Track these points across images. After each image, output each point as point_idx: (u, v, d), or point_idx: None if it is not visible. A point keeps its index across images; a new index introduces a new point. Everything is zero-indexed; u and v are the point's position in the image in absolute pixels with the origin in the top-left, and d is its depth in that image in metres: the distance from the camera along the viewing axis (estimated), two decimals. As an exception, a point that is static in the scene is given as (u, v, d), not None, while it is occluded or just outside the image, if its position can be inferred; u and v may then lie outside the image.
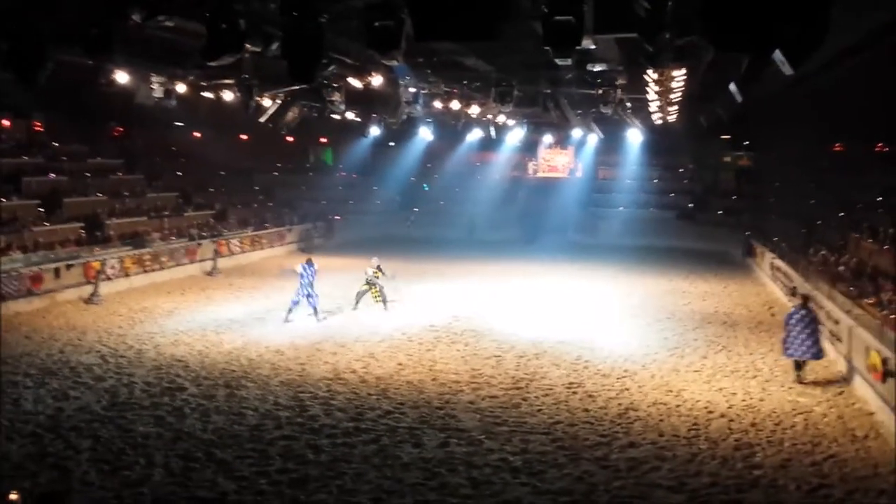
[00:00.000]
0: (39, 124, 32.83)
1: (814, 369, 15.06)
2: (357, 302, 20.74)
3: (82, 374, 14.75)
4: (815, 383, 14.54)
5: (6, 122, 31.43)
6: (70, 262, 23.11)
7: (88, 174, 31.15)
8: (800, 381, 14.47)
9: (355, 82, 19.02)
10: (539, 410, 12.97)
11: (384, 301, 20.71)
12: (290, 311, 19.26)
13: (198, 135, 40.19)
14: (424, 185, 46.24)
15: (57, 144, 32.06)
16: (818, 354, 14.52)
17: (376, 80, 18.85)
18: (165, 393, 13.64)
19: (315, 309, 19.29)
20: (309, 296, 19.15)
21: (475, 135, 34.26)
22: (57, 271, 22.51)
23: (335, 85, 19.54)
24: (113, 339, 17.61)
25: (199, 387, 14.02)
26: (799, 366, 14.63)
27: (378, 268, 20.81)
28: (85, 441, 11.28)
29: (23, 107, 29.45)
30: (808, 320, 14.47)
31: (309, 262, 19.46)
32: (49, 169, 29.51)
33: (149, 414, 12.53)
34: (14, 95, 20.99)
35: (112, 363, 15.60)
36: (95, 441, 11.29)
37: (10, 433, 11.55)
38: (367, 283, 20.72)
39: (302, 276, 19.11)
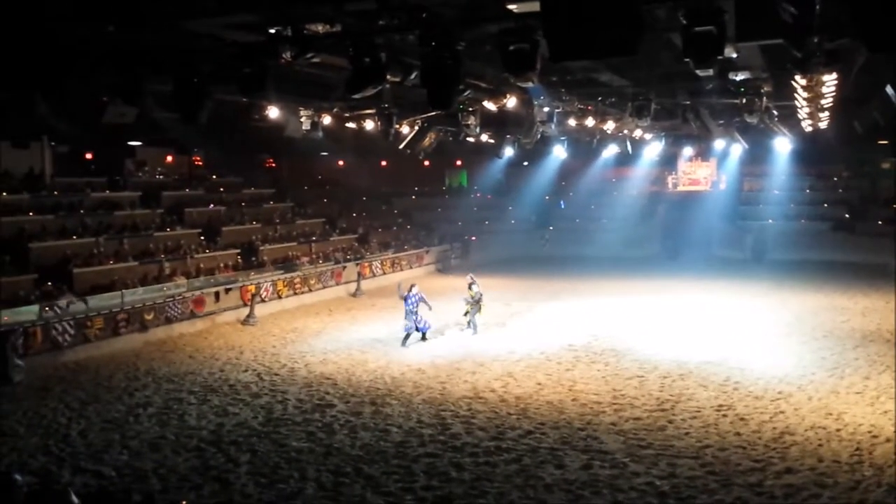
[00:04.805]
0: (199, 159, 35.60)
1: None
2: (474, 326, 20.60)
3: (240, 392, 15.72)
4: None
5: (170, 158, 34.30)
6: (228, 287, 24.80)
7: (243, 204, 33.29)
8: None
9: (490, 105, 19.22)
10: (686, 434, 12.55)
11: (474, 325, 20.55)
12: (406, 336, 19.45)
13: (341, 163, 41.98)
14: (559, 203, 45.90)
15: (215, 177, 34.70)
16: None
17: (510, 102, 18.97)
18: (316, 409, 14.29)
19: (423, 333, 19.69)
20: (416, 321, 19.42)
21: (611, 150, 33.58)
22: (217, 295, 24.24)
23: (470, 109, 19.87)
24: (267, 358, 18.65)
25: (346, 404, 14.59)
26: None
27: (470, 286, 20.77)
28: (244, 455, 11.99)
29: (184, 143, 31.87)
30: None
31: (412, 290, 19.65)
32: (208, 200, 31.90)
33: (301, 429, 13.17)
34: (175, 133, 22.78)
35: (267, 381, 16.52)
36: (253, 455, 11.98)
37: (177, 447, 12.48)
38: (475, 301, 20.67)
39: (406, 302, 19.38)
